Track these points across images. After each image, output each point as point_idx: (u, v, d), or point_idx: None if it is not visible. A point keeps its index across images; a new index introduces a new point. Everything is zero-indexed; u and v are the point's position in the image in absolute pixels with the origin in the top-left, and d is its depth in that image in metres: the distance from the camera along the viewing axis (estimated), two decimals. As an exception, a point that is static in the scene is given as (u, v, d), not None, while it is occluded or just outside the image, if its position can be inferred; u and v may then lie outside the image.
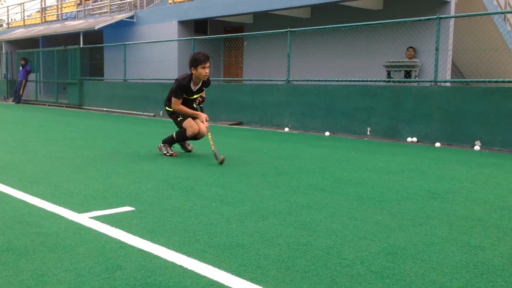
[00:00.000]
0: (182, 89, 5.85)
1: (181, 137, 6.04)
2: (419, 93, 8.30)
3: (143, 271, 2.26)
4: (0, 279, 2.14)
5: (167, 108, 6.20)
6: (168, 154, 5.95)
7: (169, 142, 6.06)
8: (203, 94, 6.20)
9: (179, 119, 6.06)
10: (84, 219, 3.08)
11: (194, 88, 5.94)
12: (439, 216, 3.37)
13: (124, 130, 9.29)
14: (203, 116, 5.90)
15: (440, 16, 8.16)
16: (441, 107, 7.92)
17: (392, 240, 2.82)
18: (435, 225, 3.15)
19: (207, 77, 5.83)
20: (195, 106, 6.17)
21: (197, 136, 6.05)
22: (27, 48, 20.43)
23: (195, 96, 6.04)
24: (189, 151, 6.31)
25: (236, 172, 4.92)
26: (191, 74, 5.82)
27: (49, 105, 17.94)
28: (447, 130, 7.86)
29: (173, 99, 5.91)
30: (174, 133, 6.07)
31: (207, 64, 5.74)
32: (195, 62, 5.72)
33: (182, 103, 5.95)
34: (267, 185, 4.30)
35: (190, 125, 5.96)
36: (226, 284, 2.14)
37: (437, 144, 7.78)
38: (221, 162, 5.36)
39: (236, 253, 2.53)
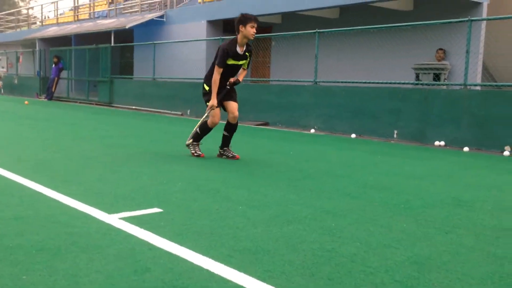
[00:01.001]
0: (228, 54, 5.59)
1: (205, 129, 5.89)
2: (448, 96, 8.19)
3: (170, 274, 2.32)
4: (35, 279, 2.23)
5: (204, 85, 5.90)
6: (196, 154, 5.99)
7: (195, 137, 5.95)
8: (243, 73, 5.88)
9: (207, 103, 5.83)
10: (114, 220, 3.18)
11: (240, 50, 5.65)
12: (466, 225, 3.35)
13: (153, 129, 9.44)
14: (211, 102, 5.67)
15: (472, 18, 8.04)
16: (471, 111, 7.80)
17: (418, 249, 2.82)
18: (461, 234, 3.13)
19: (253, 37, 5.56)
20: (228, 85, 5.80)
21: (230, 122, 5.81)
22: (59, 46, 20.91)
23: (241, 62, 5.74)
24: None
25: (262, 174, 4.97)
26: (236, 37, 5.62)
27: (80, 102, 18.34)
28: (476, 135, 7.73)
29: (215, 67, 5.64)
30: (198, 127, 5.93)
31: (256, 25, 5.55)
32: (245, 19, 5.51)
33: (227, 71, 5.69)
34: (293, 188, 4.33)
35: (212, 115, 5.77)
36: (251, 289, 2.19)
37: (466, 149, 7.67)
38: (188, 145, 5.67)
39: (261, 258, 2.57)
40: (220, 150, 5.99)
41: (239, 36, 5.59)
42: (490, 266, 2.58)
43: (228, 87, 5.84)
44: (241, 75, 5.92)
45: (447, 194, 4.32)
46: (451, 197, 4.19)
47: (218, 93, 5.75)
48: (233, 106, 5.84)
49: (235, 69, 5.83)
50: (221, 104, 5.87)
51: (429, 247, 2.85)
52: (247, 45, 5.71)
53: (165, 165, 5.31)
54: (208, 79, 5.86)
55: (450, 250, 2.81)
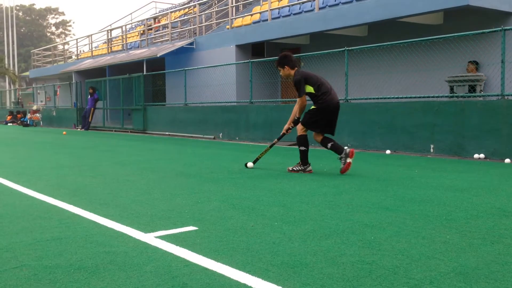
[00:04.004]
0: None
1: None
2: (485, 107, 7.98)
3: (208, 289, 2.28)
4: (74, 296, 2.23)
5: None
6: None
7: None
8: (296, 110, 6.37)
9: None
10: (151, 238, 3.18)
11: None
12: (513, 235, 3.20)
13: (186, 153, 9.52)
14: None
15: (505, 28, 7.86)
16: (510, 122, 7.56)
17: (463, 259, 2.70)
18: (509, 244, 2.99)
19: (283, 77, 6.51)
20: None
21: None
22: (94, 77, 21.54)
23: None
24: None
25: (296, 192, 4.91)
26: None
27: (115, 131, 18.74)
28: (518, 145, 7.47)
29: None
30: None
31: (279, 69, 6.42)
32: None
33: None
34: (328, 204, 4.25)
35: None
36: (290, 303, 2.13)
37: (507, 160, 7.41)
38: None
39: (299, 272, 2.51)
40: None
41: None
42: (542, 276, 2.44)
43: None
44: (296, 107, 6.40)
45: (491, 205, 4.16)
46: (495, 208, 4.03)
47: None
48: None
49: None
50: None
51: (475, 258, 2.73)
52: (294, 77, 6.30)
53: (199, 186, 5.32)
54: None
55: (498, 261, 2.68)
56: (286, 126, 6.52)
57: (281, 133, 6.64)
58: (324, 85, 6.20)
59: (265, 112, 12.26)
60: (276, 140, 6.85)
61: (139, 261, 2.72)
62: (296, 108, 6.33)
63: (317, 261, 2.68)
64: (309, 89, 6.18)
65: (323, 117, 6.21)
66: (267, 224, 3.53)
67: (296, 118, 6.37)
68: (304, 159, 6.34)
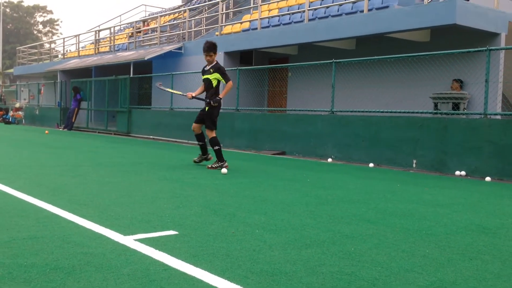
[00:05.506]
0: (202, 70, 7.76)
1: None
2: (468, 125, 8.08)
3: (185, 294, 2.26)
4: (48, 296, 2.19)
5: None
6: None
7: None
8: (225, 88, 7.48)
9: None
10: (130, 241, 3.13)
11: (207, 67, 7.58)
12: (491, 252, 3.23)
13: (170, 157, 9.46)
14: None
15: (490, 48, 8.00)
16: (492, 140, 7.67)
17: (442, 274, 2.71)
18: (487, 261, 3.01)
19: (207, 61, 7.53)
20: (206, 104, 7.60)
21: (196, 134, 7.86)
22: (80, 77, 21.32)
23: (205, 76, 7.55)
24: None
25: (279, 200, 4.90)
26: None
27: (98, 132, 18.56)
28: (498, 164, 7.58)
29: None
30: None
31: (205, 53, 7.42)
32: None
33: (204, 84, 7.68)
34: (310, 214, 4.25)
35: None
36: (268, 310, 2.11)
37: (487, 179, 7.50)
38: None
39: (278, 281, 2.49)
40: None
41: None
42: (519, 293, 2.46)
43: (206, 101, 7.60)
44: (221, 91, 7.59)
45: (470, 221, 4.20)
46: (474, 224, 4.07)
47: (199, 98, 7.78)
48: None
49: (206, 83, 7.60)
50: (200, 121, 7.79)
51: (453, 273, 2.75)
52: (216, 64, 7.55)
53: (181, 191, 5.28)
54: None
55: (476, 276, 2.70)
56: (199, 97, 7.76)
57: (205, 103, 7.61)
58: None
59: (251, 120, 12.26)
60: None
61: (117, 263, 2.68)
62: (225, 90, 7.47)
63: (296, 270, 2.67)
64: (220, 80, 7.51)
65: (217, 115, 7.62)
66: (248, 232, 3.51)
67: (208, 100, 7.49)
68: (220, 157, 7.42)
